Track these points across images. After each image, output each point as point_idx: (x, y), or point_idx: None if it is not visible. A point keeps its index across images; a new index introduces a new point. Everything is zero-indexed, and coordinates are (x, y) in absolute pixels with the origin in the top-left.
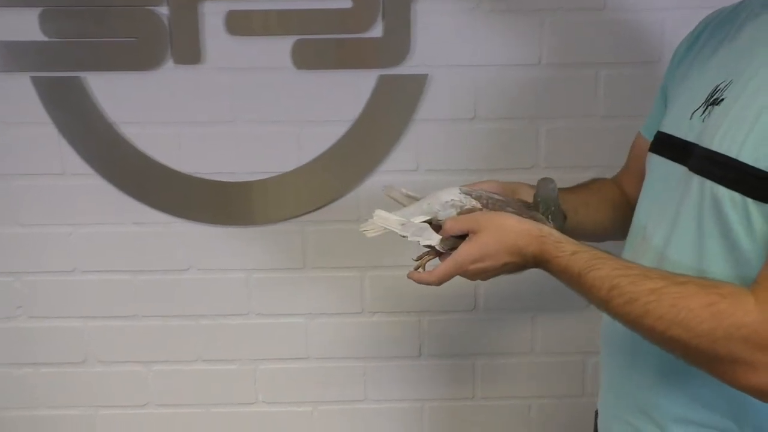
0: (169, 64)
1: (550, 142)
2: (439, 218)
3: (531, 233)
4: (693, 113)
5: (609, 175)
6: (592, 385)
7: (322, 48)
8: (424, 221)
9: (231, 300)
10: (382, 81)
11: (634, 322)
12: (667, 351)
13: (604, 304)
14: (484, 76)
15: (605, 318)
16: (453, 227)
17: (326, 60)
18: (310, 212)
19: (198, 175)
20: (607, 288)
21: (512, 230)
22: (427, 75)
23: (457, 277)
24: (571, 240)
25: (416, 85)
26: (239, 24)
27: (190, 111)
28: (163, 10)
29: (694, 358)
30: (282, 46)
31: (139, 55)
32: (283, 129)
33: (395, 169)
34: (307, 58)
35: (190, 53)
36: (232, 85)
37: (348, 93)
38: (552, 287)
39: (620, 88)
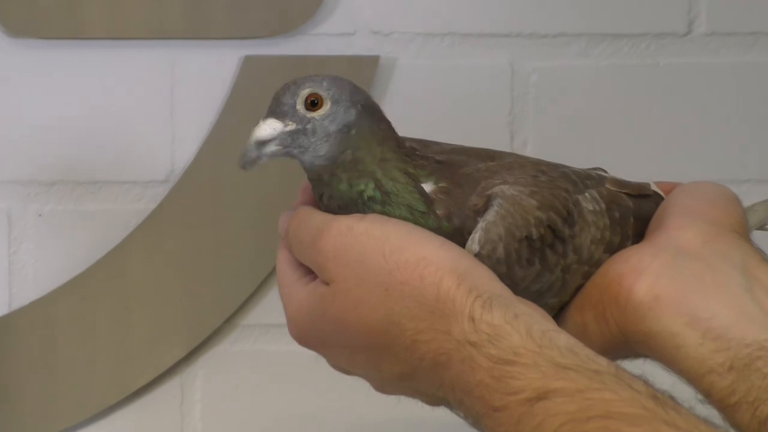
0: None
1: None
2: None
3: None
4: None
5: None
6: None
7: None
8: None
9: None
10: (252, 70)
11: None
12: None
13: None
14: (538, 66)
15: None
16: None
17: (104, 20)
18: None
19: None
20: None
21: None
22: (378, 58)
23: None
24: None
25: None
26: None
27: None
28: None
29: None
30: None
31: None
32: None
33: None
34: (34, 16)
35: None
36: None
37: (158, 106)
38: None
39: None
